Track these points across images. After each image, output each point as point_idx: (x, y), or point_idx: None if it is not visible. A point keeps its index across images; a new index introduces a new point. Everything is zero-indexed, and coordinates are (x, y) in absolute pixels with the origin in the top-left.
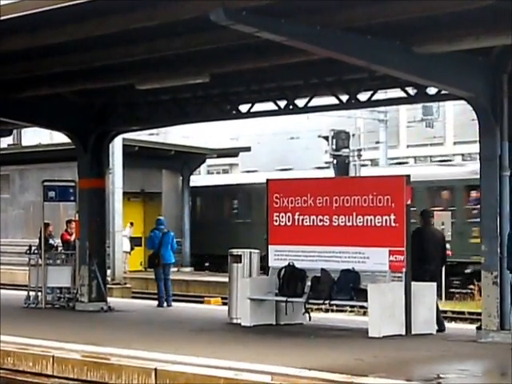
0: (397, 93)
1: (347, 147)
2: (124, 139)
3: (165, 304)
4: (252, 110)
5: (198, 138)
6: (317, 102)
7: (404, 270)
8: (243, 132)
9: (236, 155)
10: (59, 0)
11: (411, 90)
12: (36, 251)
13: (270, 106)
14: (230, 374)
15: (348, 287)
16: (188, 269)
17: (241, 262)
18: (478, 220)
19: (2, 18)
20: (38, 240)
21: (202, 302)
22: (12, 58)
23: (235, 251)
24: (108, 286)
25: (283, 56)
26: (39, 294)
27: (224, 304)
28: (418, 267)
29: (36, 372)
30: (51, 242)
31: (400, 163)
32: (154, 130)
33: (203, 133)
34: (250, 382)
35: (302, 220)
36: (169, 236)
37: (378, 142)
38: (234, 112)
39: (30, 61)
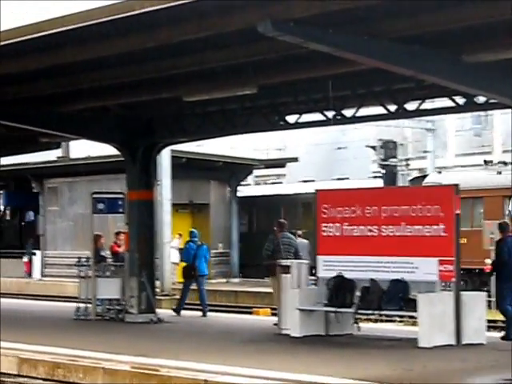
0: (445, 102)
1: (395, 157)
2: (172, 151)
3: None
4: (300, 121)
5: (243, 148)
6: (364, 111)
7: (453, 279)
8: (290, 142)
9: (283, 166)
10: (105, 14)
11: (459, 99)
12: (86, 263)
13: (317, 116)
14: None
15: (397, 297)
16: (237, 279)
17: (290, 272)
18: None
19: (49, 32)
20: (88, 252)
21: (250, 313)
22: (59, 71)
23: (284, 262)
24: (157, 297)
25: (331, 66)
26: (89, 305)
27: (273, 315)
28: None
29: (87, 383)
30: (103, 253)
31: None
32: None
33: (249, 143)
34: None
35: (351, 230)
36: (203, 248)
37: (425, 152)
38: (282, 123)
39: (78, 74)
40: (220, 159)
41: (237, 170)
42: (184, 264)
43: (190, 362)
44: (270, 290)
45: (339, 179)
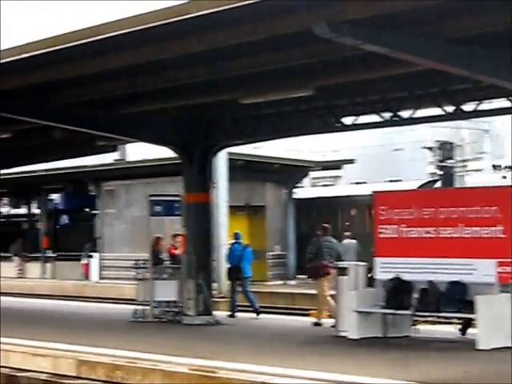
0: (502, 103)
1: (452, 158)
2: (229, 153)
3: (236, 314)
4: (356, 122)
5: (298, 150)
6: (421, 113)
7: (511, 281)
8: (345, 144)
9: (339, 167)
10: (161, 18)
11: None
12: (143, 265)
13: (373, 117)
14: None
15: (455, 299)
16: (293, 282)
17: (347, 274)
18: None
19: (107, 35)
20: (145, 254)
21: (307, 315)
22: (117, 74)
23: (341, 264)
24: (214, 299)
25: (387, 68)
26: (147, 307)
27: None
28: None
29: None
30: (161, 256)
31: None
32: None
33: (305, 145)
34: None
35: (408, 232)
36: (248, 250)
37: (482, 153)
38: (338, 124)
39: (135, 77)
40: (277, 161)
41: (293, 171)
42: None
43: (248, 364)
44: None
45: (391, 181)
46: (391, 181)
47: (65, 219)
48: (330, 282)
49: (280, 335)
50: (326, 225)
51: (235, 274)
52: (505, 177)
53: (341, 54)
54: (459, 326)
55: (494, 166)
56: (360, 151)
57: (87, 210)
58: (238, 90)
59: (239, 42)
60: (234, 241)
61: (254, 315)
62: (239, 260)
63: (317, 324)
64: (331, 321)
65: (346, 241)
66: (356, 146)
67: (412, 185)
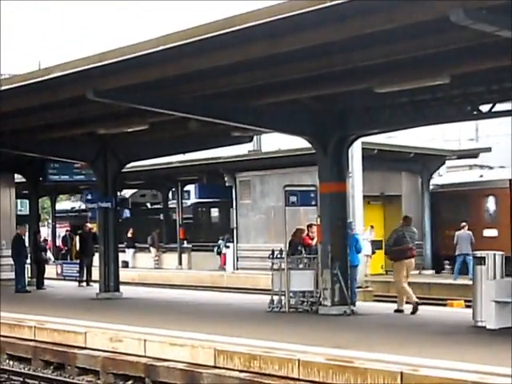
0: None
1: None
2: (363, 142)
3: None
4: (493, 110)
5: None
6: None
7: None
8: (482, 132)
9: (476, 156)
10: (297, 8)
11: None
12: (279, 256)
13: (506, 106)
14: (475, 377)
15: None
16: (429, 271)
17: (485, 264)
18: None
19: (242, 26)
20: (280, 244)
21: (444, 305)
22: (252, 65)
23: (479, 253)
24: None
25: None
26: (283, 298)
27: (467, 307)
28: None
29: (282, 375)
30: (299, 247)
31: None
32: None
33: (439, 134)
34: None
35: None
36: (354, 238)
37: None
38: (475, 112)
39: (270, 68)
40: (411, 150)
41: (429, 161)
42: None
43: (385, 353)
44: (465, 281)
45: None
46: None
47: (199, 210)
48: (409, 266)
49: (417, 325)
50: (408, 215)
51: None
52: None
53: (478, 41)
54: None
55: None
56: (498, 139)
57: (222, 200)
58: (373, 79)
59: (375, 31)
60: None
61: (394, 306)
62: None
63: (398, 311)
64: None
65: (461, 231)
66: (493, 133)
67: None
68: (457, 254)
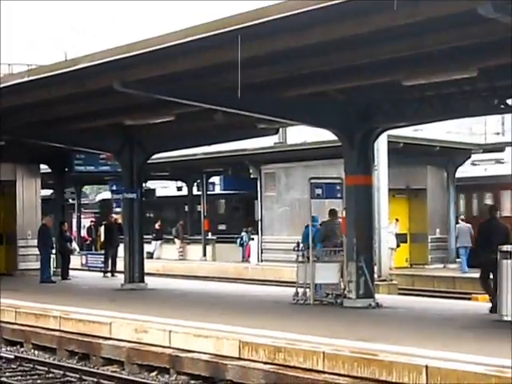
0: None
1: None
2: (388, 135)
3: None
4: None
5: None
6: None
7: None
8: (507, 126)
9: (502, 150)
10: (321, 1)
11: None
12: (304, 248)
13: None
14: (497, 371)
15: None
16: (454, 265)
17: (510, 258)
18: None
19: (268, 19)
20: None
21: (469, 299)
22: (277, 58)
23: (504, 247)
24: (375, 282)
25: None
26: (307, 290)
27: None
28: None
29: (307, 368)
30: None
31: None
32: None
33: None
34: None
35: None
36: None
37: None
38: (502, 106)
39: (295, 60)
40: (437, 144)
41: (454, 154)
42: None
43: (410, 347)
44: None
45: None
46: None
47: (225, 202)
48: None
49: (441, 319)
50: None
51: None
52: None
53: (505, 34)
54: None
55: None
56: None
57: (247, 192)
58: (400, 71)
59: (401, 24)
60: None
61: (418, 299)
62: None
63: None
64: None
65: (461, 224)
66: None
67: None
68: (458, 246)
